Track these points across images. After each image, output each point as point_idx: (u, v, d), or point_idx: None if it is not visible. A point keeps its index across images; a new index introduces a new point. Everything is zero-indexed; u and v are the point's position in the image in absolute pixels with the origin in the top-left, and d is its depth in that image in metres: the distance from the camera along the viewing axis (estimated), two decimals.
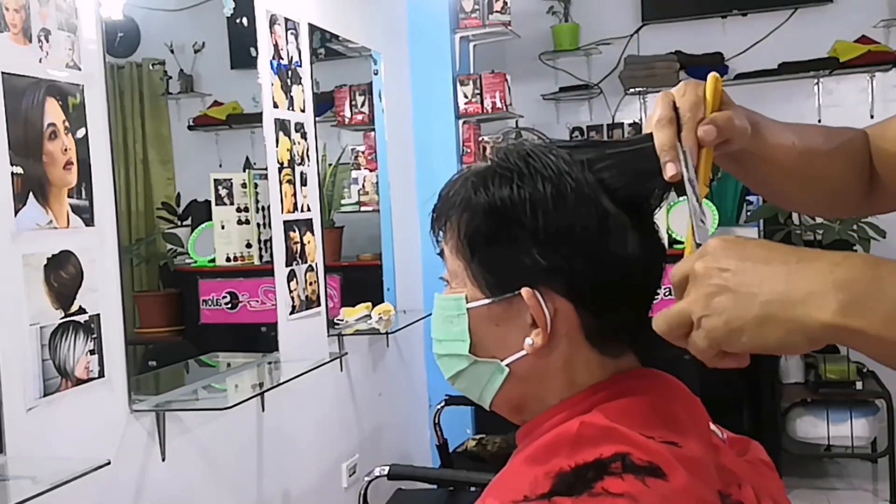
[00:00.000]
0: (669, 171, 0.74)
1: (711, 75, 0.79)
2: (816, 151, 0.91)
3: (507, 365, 0.78)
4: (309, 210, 2.71)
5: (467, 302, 0.78)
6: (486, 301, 0.78)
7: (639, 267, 0.77)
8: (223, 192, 2.58)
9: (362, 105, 3.35)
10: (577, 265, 0.74)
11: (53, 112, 1.66)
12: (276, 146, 2.53)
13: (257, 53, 2.48)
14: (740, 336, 0.60)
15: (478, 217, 0.77)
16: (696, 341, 0.64)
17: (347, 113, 3.37)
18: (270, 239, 2.52)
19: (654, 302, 0.81)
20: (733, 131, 0.78)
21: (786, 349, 0.61)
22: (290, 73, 2.62)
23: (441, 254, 0.82)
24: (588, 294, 0.75)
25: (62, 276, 1.66)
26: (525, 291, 0.75)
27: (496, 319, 0.77)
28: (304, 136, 2.69)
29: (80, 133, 1.73)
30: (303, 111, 2.70)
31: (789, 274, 0.59)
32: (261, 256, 2.57)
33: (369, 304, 3.09)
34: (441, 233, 0.82)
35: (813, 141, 0.92)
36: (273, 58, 2.53)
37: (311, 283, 2.69)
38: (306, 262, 2.67)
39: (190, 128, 2.75)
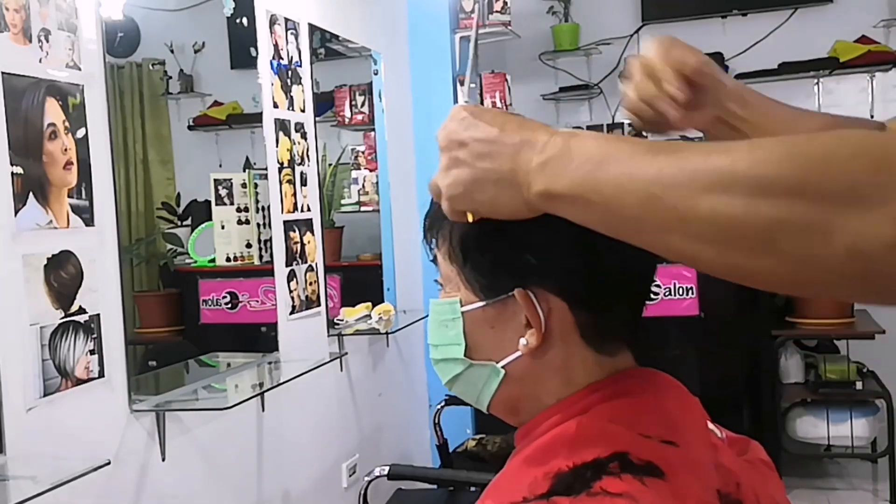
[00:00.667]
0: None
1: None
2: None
3: (502, 367, 0.78)
4: (309, 210, 2.71)
5: (461, 306, 0.78)
6: (480, 304, 0.77)
7: (632, 264, 0.77)
8: (223, 192, 2.58)
9: (362, 105, 3.35)
10: (569, 264, 0.74)
11: (53, 112, 1.66)
12: (276, 146, 2.53)
13: (257, 53, 2.48)
14: (471, 202, 0.70)
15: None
16: (444, 205, 0.73)
17: (347, 113, 3.37)
18: (270, 239, 2.52)
19: (652, 302, 0.81)
20: (698, 67, 0.83)
21: (511, 215, 0.69)
22: (290, 73, 2.62)
23: (434, 260, 0.82)
24: (581, 292, 0.75)
25: (62, 276, 1.66)
26: (518, 292, 0.75)
27: (491, 322, 0.77)
28: (304, 136, 2.69)
29: (80, 133, 1.73)
30: (303, 111, 2.70)
31: (514, 154, 0.66)
32: (261, 256, 2.58)
33: (369, 304, 3.09)
34: (434, 240, 0.82)
35: (832, 124, 0.91)
36: (273, 58, 2.53)
37: (311, 283, 2.69)
38: (306, 262, 2.67)
39: (190, 128, 2.75)
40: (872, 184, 0.50)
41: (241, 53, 2.60)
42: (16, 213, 1.56)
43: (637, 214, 0.59)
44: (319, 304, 2.74)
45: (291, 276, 2.59)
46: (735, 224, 0.54)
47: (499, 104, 3.58)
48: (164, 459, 1.94)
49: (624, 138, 0.63)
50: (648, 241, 0.61)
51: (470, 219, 0.72)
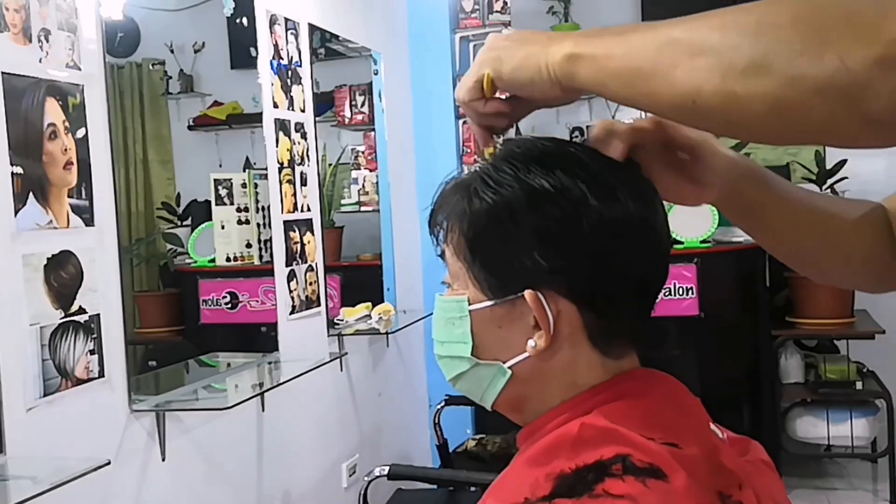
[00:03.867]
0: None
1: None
2: (842, 218, 0.90)
3: (509, 367, 0.78)
4: (309, 210, 2.71)
5: (469, 304, 0.78)
6: (489, 303, 0.77)
7: (645, 269, 0.77)
8: (223, 192, 2.58)
9: (362, 105, 3.35)
10: (579, 266, 0.74)
11: (53, 112, 1.66)
12: (276, 146, 2.53)
13: (257, 53, 2.48)
14: (502, 67, 0.75)
15: (480, 219, 0.76)
16: (467, 78, 0.79)
17: (347, 113, 3.37)
18: (270, 239, 2.52)
19: (657, 301, 0.80)
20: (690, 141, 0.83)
21: (531, 86, 0.74)
22: (290, 73, 2.62)
23: (442, 255, 0.82)
24: (591, 296, 0.74)
25: (62, 276, 1.66)
26: (528, 294, 0.74)
27: (498, 321, 0.77)
28: (304, 136, 2.69)
29: (80, 133, 1.73)
30: (303, 111, 2.70)
31: (554, 37, 0.73)
32: (261, 256, 2.57)
33: (369, 304, 3.09)
34: (441, 232, 0.81)
35: (836, 207, 0.92)
36: (273, 58, 2.53)
37: (311, 283, 2.69)
38: (306, 262, 2.67)
39: (190, 128, 2.75)
40: (868, 5, 0.54)
41: (241, 53, 2.60)
42: (16, 213, 1.56)
43: (650, 59, 0.65)
44: (319, 304, 2.74)
45: (291, 276, 2.59)
46: (742, 50, 0.59)
47: None
48: (164, 459, 1.94)
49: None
50: (656, 85, 0.64)
51: (485, 85, 0.77)
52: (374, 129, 3.32)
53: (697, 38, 0.62)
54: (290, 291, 2.58)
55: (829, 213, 0.90)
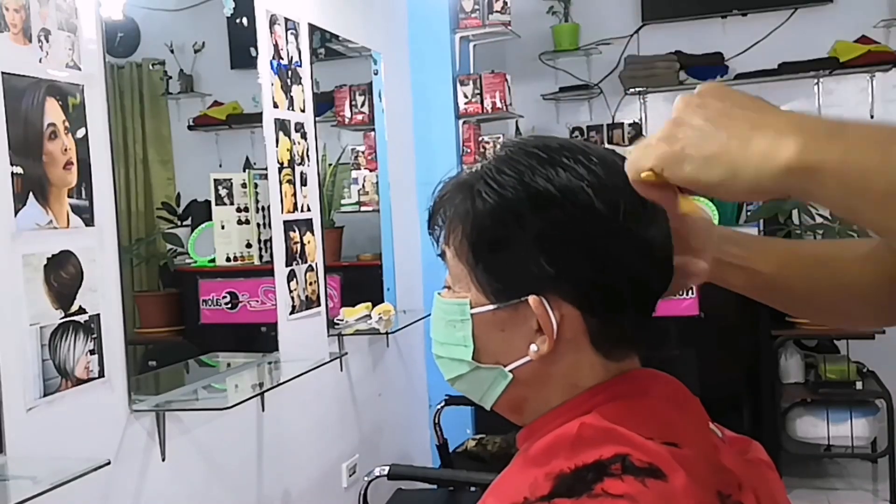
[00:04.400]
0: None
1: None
2: (843, 258, 0.89)
3: (510, 371, 0.77)
4: (309, 210, 2.71)
5: (472, 307, 0.77)
6: (491, 307, 0.76)
7: (649, 274, 0.76)
8: (223, 192, 2.58)
9: (362, 105, 3.35)
10: (585, 272, 0.73)
11: (53, 112, 1.66)
12: (276, 146, 2.53)
13: (257, 53, 2.48)
14: (684, 164, 0.61)
15: (483, 222, 0.75)
16: (640, 156, 0.65)
17: (347, 113, 3.37)
18: (270, 239, 2.52)
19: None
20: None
21: (724, 190, 0.60)
22: (290, 73, 2.62)
23: (442, 255, 0.81)
24: (596, 301, 0.74)
25: (62, 276, 1.66)
26: (532, 299, 0.73)
27: (501, 325, 0.76)
28: (304, 136, 2.69)
29: (80, 133, 1.73)
30: (303, 111, 2.70)
31: (757, 120, 0.59)
32: (261, 256, 2.57)
33: (369, 304, 3.09)
34: (442, 233, 0.80)
35: (833, 250, 0.92)
36: (273, 58, 2.53)
37: (311, 283, 2.69)
38: (306, 262, 2.67)
39: (190, 128, 2.75)
40: None
41: (241, 53, 2.60)
42: (16, 213, 1.56)
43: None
44: (319, 304, 2.74)
45: (291, 276, 2.59)
46: None
47: (499, 104, 3.58)
48: (164, 459, 1.94)
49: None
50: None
51: (651, 177, 0.64)
52: (374, 129, 3.32)
53: None
54: (290, 291, 2.58)
55: (832, 256, 0.90)
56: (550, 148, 0.76)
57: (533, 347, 0.75)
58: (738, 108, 0.60)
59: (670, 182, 0.63)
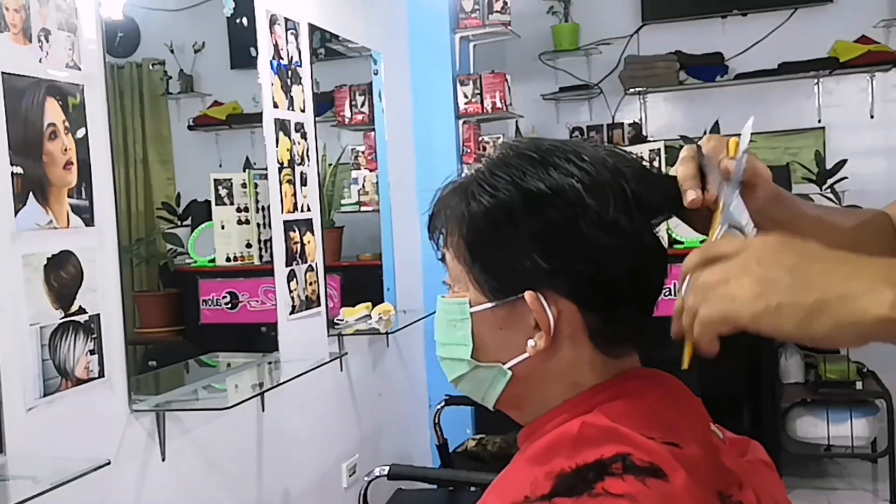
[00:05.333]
0: (689, 197, 0.77)
1: (733, 140, 0.80)
2: (841, 228, 0.90)
3: (509, 368, 0.78)
4: (309, 210, 2.71)
5: (470, 306, 0.78)
6: (489, 305, 0.77)
7: (642, 267, 0.77)
8: (223, 192, 2.58)
9: (362, 105, 3.35)
10: (579, 267, 0.74)
11: (53, 112, 1.66)
12: (276, 146, 2.53)
13: (257, 53, 2.48)
14: (787, 322, 0.59)
15: (478, 222, 0.77)
16: (719, 309, 0.62)
17: (347, 113, 3.37)
18: (270, 239, 2.52)
19: (658, 301, 0.81)
20: (755, 170, 0.79)
21: (831, 341, 0.59)
22: (290, 73, 2.62)
23: (443, 258, 0.82)
24: (591, 296, 0.75)
25: (62, 276, 1.66)
26: (528, 295, 0.74)
27: (499, 323, 0.77)
28: (304, 136, 2.69)
29: (80, 133, 1.73)
30: (303, 111, 2.70)
31: (849, 272, 0.59)
32: (261, 256, 2.57)
33: (369, 304, 3.09)
34: (441, 237, 0.81)
35: (835, 218, 0.92)
36: (273, 58, 2.53)
37: (311, 283, 2.69)
38: (306, 262, 2.67)
39: (190, 128, 2.75)
40: None
41: (241, 53, 2.60)
42: (16, 213, 1.56)
43: None
44: (319, 304, 2.74)
45: (291, 276, 2.59)
46: None
47: (499, 104, 3.58)
48: (164, 459, 1.94)
49: None
50: None
51: (714, 346, 0.63)
52: (374, 129, 3.32)
53: None
54: (290, 291, 2.58)
55: (833, 225, 0.90)
56: (542, 149, 0.78)
57: (531, 343, 0.75)
58: (821, 262, 0.61)
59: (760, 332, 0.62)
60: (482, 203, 0.76)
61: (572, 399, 0.77)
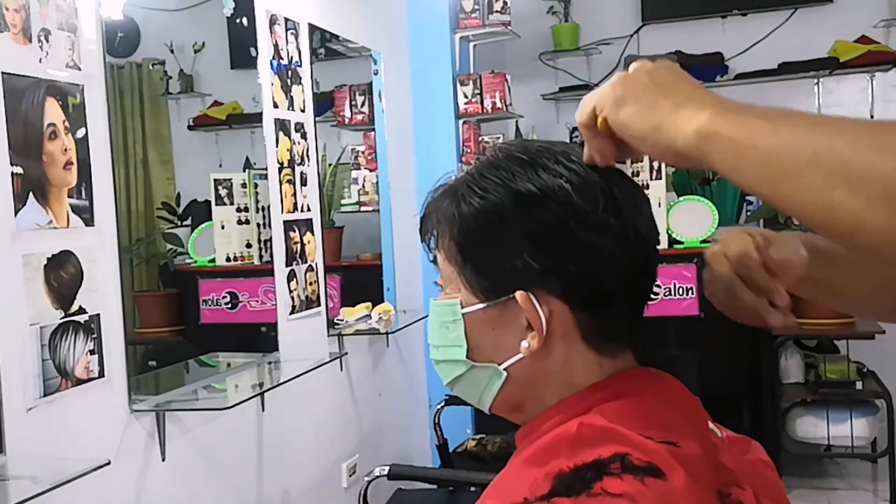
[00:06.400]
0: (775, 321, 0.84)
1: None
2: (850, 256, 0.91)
3: (504, 369, 0.78)
4: (309, 210, 2.71)
5: (462, 307, 0.78)
6: (481, 305, 0.78)
7: (633, 266, 0.77)
8: (223, 192, 2.58)
9: (362, 105, 3.35)
10: (570, 266, 0.74)
11: (53, 112, 1.66)
12: (276, 146, 2.53)
13: (257, 53, 2.48)
14: (621, 109, 0.70)
15: (469, 223, 0.77)
16: (586, 99, 0.75)
17: (347, 113, 3.37)
18: (270, 239, 2.52)
19: (652, 302, 0.81)
20: (784, 264, 0.85)
21: (650, 141, 0.68)
22: (290, 73, 2.62)
23: (434, 260, 0.83)
24: (583, 295, 0.75)
25: (62, 276, 1.66)
26: (519, 294, 0.75)
27: (492, 323, 0.78)
28: (304, 136, 2.69)
29: (80, 133, 1.73)
30: (303, 111, 2.70)
31: (684, 96, 0.67)
32: (261, 256, 2.57)
33: (369, 304, 3.09)
34: (432, 239, 0.82)
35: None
36: (273, 58, 2.53)
37: (311, 283, 2.69)
38: (306, 262, 2.67)
39: (190, 128, 2.75)
40: None
41: (241, 53, 2.60)
42: (16, 213, 1.56)
43: (802, 165, 0.57)
44: (319, 304, 2.74)
45: (291, 276, 2.59)
46: None
47: (499, 104, 3.58)
48: (164, 459, 1.94)
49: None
50: (805, 197, 0.57)
51: (599, 123, 0.73)
52: (374, 129, 3.32)
53: (863, 161, 0.54)
54: (290, 291, 2.58)
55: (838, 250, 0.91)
56: (531, 151, 0.79)
57: (524, 344, 0.76)
58: (681, 83, 0.69)
59: (611, 132, 0.72)
60: (472, 205, 0.77)
61: (568, 399, 0.77)
